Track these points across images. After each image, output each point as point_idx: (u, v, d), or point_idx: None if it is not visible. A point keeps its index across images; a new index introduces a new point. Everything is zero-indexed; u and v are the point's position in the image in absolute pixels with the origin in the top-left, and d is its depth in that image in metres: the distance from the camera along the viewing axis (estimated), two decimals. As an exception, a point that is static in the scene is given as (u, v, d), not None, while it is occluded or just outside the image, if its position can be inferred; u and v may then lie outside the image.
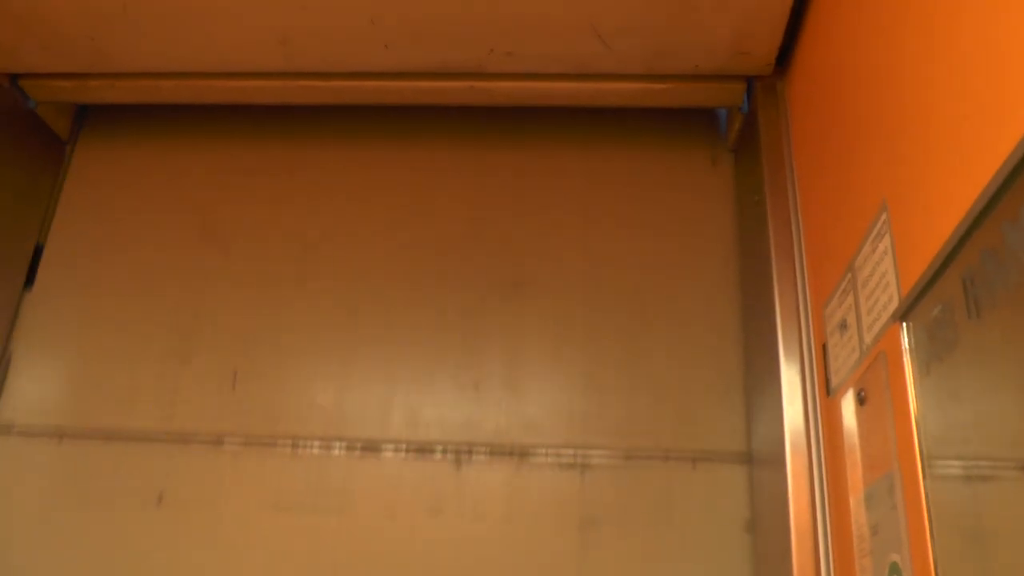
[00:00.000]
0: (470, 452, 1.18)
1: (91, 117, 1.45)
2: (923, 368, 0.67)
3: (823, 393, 0.98)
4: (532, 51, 1.15)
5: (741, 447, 1.16)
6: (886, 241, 0.77)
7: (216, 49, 1.18)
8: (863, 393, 0.83)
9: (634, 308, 1.25)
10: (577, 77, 1.20)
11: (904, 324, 0.72)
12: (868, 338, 0.82)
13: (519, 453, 1.18)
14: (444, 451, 1.19)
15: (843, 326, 0.90)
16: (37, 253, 1.35)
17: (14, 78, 1.30)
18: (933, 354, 0.64)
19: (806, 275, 1.06)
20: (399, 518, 1.15)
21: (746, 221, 1.23)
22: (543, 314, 1.25)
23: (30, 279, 1.33)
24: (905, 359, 0.71)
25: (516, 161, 1.35)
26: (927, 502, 0.66)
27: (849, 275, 0.88)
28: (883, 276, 0.78)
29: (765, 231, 1.11)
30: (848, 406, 0.88)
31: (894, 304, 0.74)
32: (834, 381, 0.94)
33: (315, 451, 1.20)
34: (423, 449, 1.19)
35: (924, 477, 0.66)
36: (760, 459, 1.10)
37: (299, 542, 1.15)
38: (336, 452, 1.20)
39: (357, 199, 1.35)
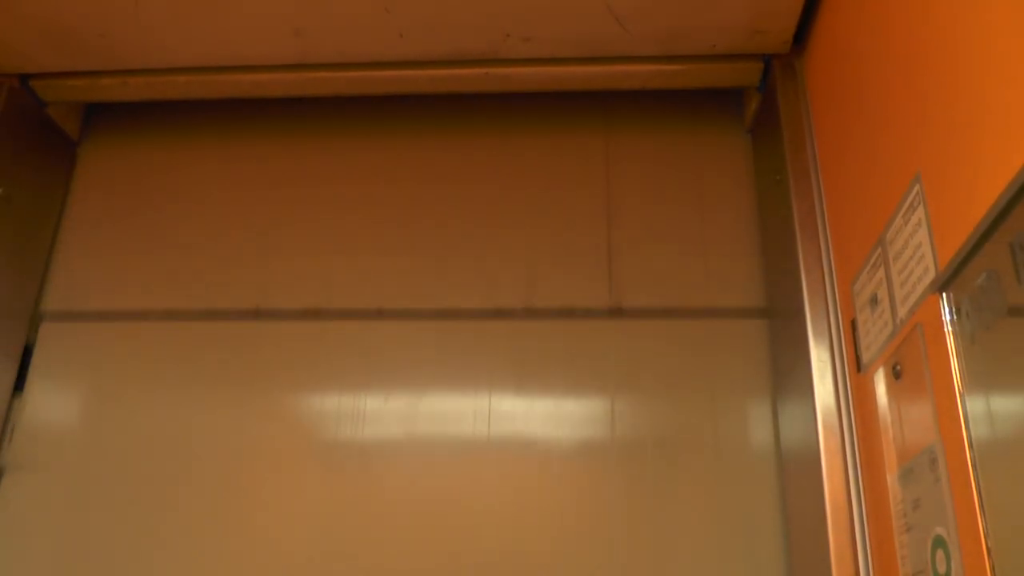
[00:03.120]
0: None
1: (100, 117, 1.44)
2: (967, 338, 0.66)
3: (853, 370, 0.97)
4: (548, 35, 1.14)
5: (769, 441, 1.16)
6: (920, 212, 0.77)
7: (229, 43, 1.17)
8: (898, 367, 0.82)
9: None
10: (593, 60, 1.19)
11: (944, 295, 0.71)
12: (902, 311, 0.81)
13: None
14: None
15: (874, 301, 0.90)
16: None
17: (24, 79, 1.29)
18: (979, 323, 0.64)
19: (831, 252, 1.05)
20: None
21: (767, 201, 1.23)
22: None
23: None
24: (946, 330, 0.70)
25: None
26: (975, 474, 0.65)
27: (879, 249, 0.88)
28: (917, 248, 0.77)
29: (788, 210, 1.10)
30: (881, 382, 0.88)
31: (930, 276, 0.74)
32: (865, 357, 0.93)
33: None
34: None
35: (971, 449, 0.66)
36: (791, 441, 1.09)
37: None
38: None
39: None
